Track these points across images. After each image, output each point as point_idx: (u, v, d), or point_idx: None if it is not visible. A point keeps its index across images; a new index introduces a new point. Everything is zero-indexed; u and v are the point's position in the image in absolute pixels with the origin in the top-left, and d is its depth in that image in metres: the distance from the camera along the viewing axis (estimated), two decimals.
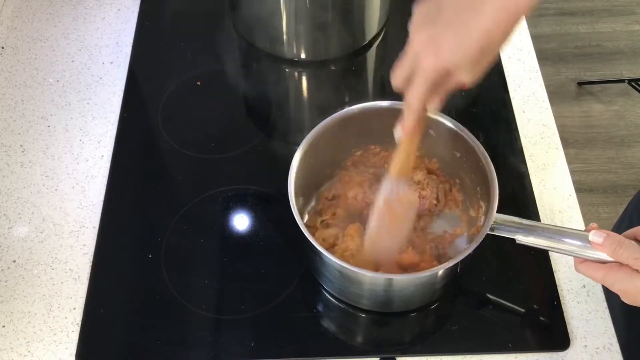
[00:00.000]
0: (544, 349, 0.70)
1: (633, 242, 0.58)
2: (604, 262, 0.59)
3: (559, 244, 0.62)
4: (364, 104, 0.74)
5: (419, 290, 0.70)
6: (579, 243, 0.60)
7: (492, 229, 0.64)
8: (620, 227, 0.99)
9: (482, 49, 0.52)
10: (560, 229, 0.62)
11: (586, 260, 0.60)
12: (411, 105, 0.57)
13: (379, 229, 0.70)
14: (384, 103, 0.74)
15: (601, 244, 0.58)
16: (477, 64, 0.53)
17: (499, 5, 0.50)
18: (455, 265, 0.64)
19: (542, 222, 0.79)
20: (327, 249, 0.65)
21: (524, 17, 0.53)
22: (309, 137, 0.72)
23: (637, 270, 0.56)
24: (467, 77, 0.54)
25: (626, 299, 0.59)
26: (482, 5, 0.50)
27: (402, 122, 0.60)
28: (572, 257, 0.62)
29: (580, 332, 0.71)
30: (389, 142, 0.70)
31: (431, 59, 0.53)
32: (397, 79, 0.57)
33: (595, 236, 0.59)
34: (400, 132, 0.61)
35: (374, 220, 0.69)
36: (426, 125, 0.64)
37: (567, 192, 0.82)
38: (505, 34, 0.52)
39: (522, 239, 0.63)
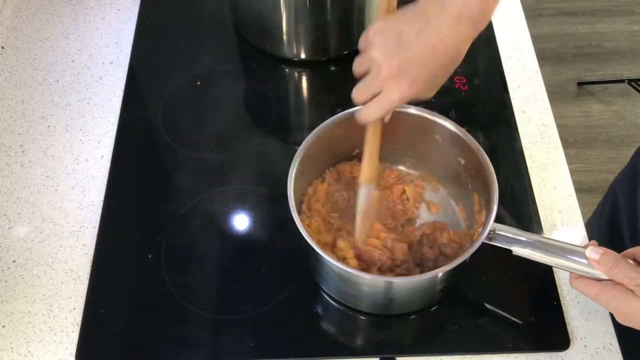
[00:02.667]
0: (544, 349, 0.70)
1: (630, 262, 0.58)
2: (599, 280, 0.59)
3: (556, 258, 0.62)
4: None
5: (418, 293, 0.70)
6: (575, 259, 0.60)
7: (489, 238, 0.64)
8: (625, 174, 0.96)
9: (447, 77, 0.57)
10: (558, 243, 0.63)
11: (582, 276, 0.61)
12: (368, 121, 0.62)
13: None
14: None
15: (597, 261, 0.58)
16: (438, 87, 0.59)
17: (462, 37, 0.55)
18: (454, 269, 0.64)
19: (542, 222, 0.79)
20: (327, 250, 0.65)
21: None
22: (309, 138, 0.72)
23: (631, 291, 0.56)
24: (426, 98, 0.59)
25: (619, 319, 0.59)
26: (445, 38, 0.54)
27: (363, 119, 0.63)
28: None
29: (580, 332, 0.71)
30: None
31: (403, 92, 0.57)
32: (361, 98, 0.60)
33: (592, 252, 0.59)
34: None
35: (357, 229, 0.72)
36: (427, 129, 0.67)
37: (567, 192, 0.82)
38: (463, 54, 0.57)
39: (518, 250, 0.63)
